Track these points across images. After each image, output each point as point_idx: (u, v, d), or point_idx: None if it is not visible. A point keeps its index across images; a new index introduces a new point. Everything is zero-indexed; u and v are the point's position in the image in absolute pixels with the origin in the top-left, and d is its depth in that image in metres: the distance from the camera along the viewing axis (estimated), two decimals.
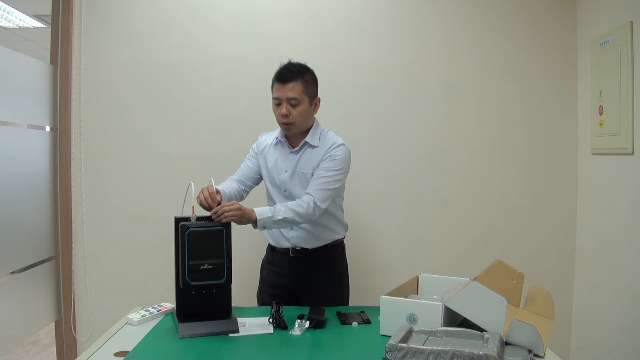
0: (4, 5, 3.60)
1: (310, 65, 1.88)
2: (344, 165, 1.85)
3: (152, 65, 2.51)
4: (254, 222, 1.70)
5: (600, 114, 2.27)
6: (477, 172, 2.54)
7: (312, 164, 1.85)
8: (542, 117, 2.53)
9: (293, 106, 1.80)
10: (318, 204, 1.77)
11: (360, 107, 2.51)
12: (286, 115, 1.80)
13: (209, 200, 1.64)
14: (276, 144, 1.94)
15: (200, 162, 2.50)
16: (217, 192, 1.71)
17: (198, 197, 1.66)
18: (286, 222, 1.75)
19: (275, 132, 1.98)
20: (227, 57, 2.51)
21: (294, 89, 1.79)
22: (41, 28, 4.07)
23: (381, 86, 2.52)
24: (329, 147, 1.85)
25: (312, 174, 1.84)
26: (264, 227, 1.73)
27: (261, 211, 1.71)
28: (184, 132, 2.53)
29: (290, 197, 1.86)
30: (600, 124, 2.27)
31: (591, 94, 2.37)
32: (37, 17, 3.87)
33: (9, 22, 3.95)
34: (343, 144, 1.88)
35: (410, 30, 2.52)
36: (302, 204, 1.75)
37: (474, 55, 2.52)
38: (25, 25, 4.04)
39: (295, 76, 1.80)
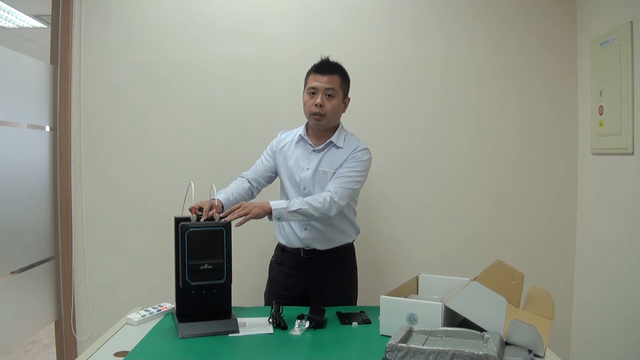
0: (4, 5, 3.60)
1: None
2: (366, 169, 1.89)
3: (152, 65, 2.51)
4: (269, 213, 1.71)
5: (600, 114, 2.27)
6: (476, 172, 2.54)
7: (335, 164, 1.87)
8: (542, 117, 2.52)
9: (328, 98, 1.84)
10: (336, 199, 1.77)
11: (359, 106, 2.49)
12: (320, 105, 1.83)
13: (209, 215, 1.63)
14: (298, 141, 1.95)
15: (200, 162, 2.51)
16: (219, 202, 1.70)
17: (200, 213, 1.63)
18: (300, 214, 1.74)
19: (295, 130, 2.00)
20: (227, 57, 2.51)
21: (332, 81, 1.84)
22: (41, 28, 4.06)
23: (379, 86, 2.52)
24: (354, 149, 1.88)
25: (334, 174, 1.86)
26: (279, 219, 1.73)
27: (276, 203, 1.73)
28: (183, 132, 2.53)
29: (308, 195, 1.87)
30: (600, 124, 2.27)
31: (591, 94, 2.37)
32: (37, 17, 3.86)
33: (9, 22, 3.94)
34: (368, 149, 1.91)
35: (409, 30, 2.51)
36: (319, 198, 1.76)
37: (474, 56, 2.52)
38: (25, 25, 4.04)
39: (334, 70, 1.86)
